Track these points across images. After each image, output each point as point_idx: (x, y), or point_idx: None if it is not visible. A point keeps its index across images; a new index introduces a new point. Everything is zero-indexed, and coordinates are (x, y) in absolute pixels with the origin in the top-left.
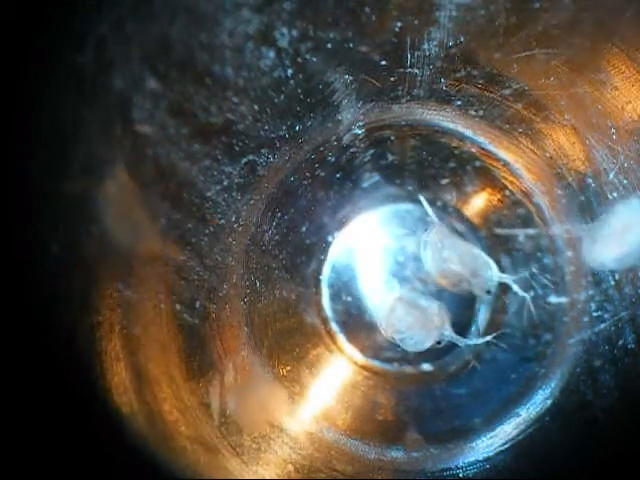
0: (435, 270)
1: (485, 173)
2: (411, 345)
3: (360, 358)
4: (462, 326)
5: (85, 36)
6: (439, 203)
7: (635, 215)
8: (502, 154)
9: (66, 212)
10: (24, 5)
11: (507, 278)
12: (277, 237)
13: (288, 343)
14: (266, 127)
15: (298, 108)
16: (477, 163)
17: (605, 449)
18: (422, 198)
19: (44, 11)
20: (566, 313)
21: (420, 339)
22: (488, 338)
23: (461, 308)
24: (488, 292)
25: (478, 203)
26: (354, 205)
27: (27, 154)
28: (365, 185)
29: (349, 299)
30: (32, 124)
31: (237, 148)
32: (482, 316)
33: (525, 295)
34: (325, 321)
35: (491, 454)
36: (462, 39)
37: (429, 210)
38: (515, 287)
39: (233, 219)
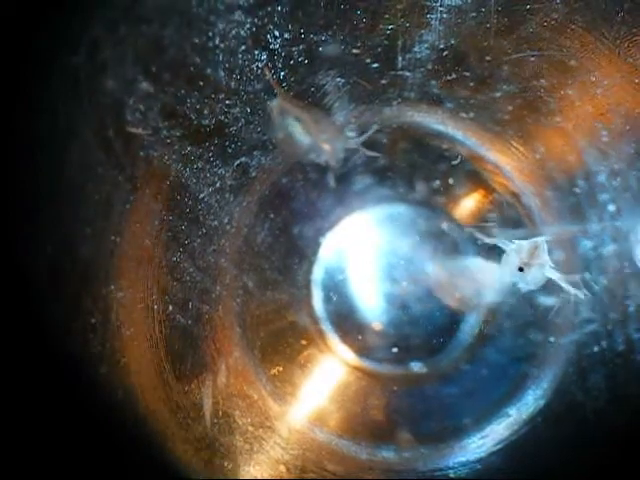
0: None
1: (475, 175)
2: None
3: (352, 358)
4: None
5: (79, 38)
6: (429, 205)
7: None
8: (492, 156)
9: (61, 212)
10: (22, 6)
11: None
12: (269, 239)
13: (280, 344)
14: (258, 129)
15: None
16: (467, 165)
17: (596, 450)
18: None
19: (39, 13)
20: (557, 314)
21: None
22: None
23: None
24: (338, 161)
25: (468, 205)
26: (346, 207)
27: (26, 154)
28: (356, 187)
29: (341, 300)
30: (31, 125)
31: (230, 150)
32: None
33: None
34: (317, 322)
35: (482, 454)
36: (453, 41)
37: None
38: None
39: (226, 221)
